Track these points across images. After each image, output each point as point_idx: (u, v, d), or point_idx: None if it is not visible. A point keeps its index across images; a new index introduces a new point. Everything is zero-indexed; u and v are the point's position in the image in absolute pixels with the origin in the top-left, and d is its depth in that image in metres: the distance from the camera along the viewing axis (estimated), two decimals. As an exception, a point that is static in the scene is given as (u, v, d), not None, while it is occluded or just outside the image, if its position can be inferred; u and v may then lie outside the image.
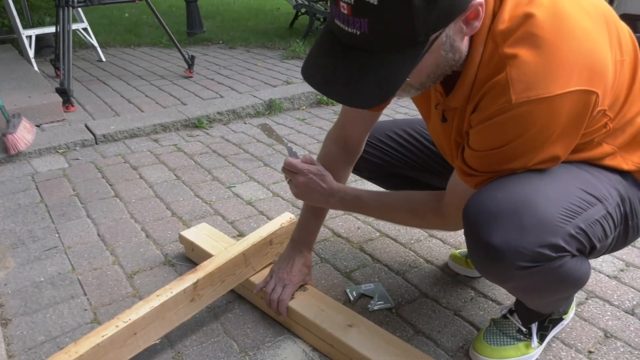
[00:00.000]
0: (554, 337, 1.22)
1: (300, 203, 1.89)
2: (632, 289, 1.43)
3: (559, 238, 0.80)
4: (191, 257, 1.51)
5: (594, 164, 0.92)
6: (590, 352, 1.20)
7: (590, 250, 0.86)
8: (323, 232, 1.71)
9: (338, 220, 1.80)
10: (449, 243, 1.66)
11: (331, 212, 1.85)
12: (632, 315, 1.32)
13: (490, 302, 1.37)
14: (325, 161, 1.16)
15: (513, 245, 0.80)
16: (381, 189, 1.39)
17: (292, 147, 1.16)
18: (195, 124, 2.79)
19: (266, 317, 1.29)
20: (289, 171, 1.12)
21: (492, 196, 0.84)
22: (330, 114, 3.13)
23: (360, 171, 1.37)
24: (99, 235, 1.68)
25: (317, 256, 1.57)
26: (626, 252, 1.59)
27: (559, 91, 0.73)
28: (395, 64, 0.71)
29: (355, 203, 1.11)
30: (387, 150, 1.32)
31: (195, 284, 1.16)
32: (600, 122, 0.83)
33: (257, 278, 1.31)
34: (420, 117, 1.19)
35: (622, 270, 1.52)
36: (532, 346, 1.14)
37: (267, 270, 1.34)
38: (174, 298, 1.12)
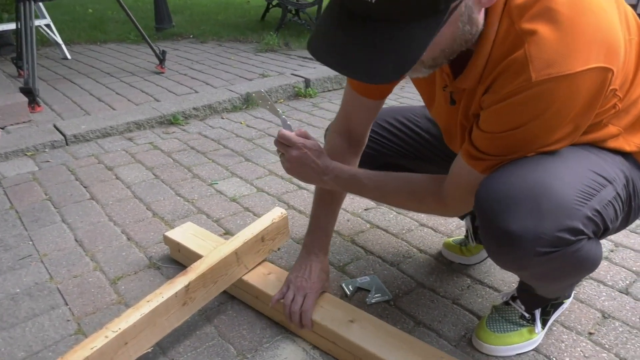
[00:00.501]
0: (554, 320, 1.21)
1: (287, 197, 1.84)
2: (624, 269, 1.43)
3: (577, 221, 0.78)
4: (177, 258, 1.45)
5: (598, 146, 0.90)
6: (590, 333, 1.20)
7: (602, 232, 0.84)
8: (312, 226, 1.66)
9: (327, 213, 1.75)
10: (440, 231, 1.64)
11: (305, 197, 1.80)
12: (627, 294, 1.33)
13: (488, 289, 1.36)
14: (331, 156, 1.11)
15: (532, 230, 0.77)
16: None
17: (287, 120, 1.10)
18: (171, 121, 2.69)
19: (262, 317, 1.24)
20: (282, 144, 1.06)
21: (506, 181, 0.80)
22: (309, 107, 3.07)
23: None
24: (76, 240, 1.59)
25: (309, 251, 1.52)
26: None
27: (580, 68, 0.70)
28: (414, 34, 0.66)
29: (351, 182, 1.06)
30: (380, 140, 1.28)
31: (187, 287, 1.10)
32: (611, 102, 0.81)
33: (250, 277, 1.26)
34: (412, 104, 1.16)
35: (612, 251, 1.52)
36: (536, 331, 1.13)
37: (260, 269, 1.29)
38: (165, 303, 1.05)
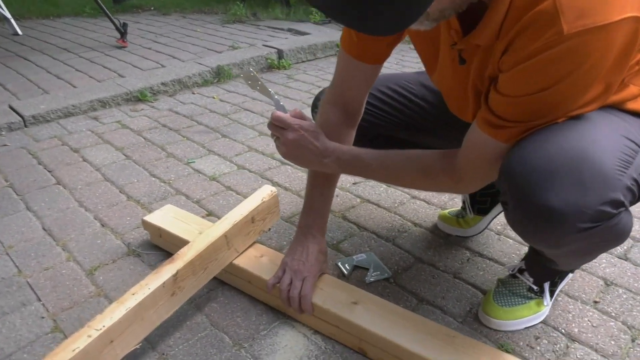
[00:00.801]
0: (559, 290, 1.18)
1: (270, 174, 1.75)
2: (620, 233, 1.41)
3: (619, 192, 0.72)
4: (159, 244, 1.34)
5: (618, 108, 0.84)
6: (595, 302, 1.17)
7: (635, 201, 0.79)
8: (298, 203, 1.58)
9: (314, 189, 1.67)
10: (433, 204, 1.58)
11: (299, 179, 1.72)
12: (626, 260, 1.31)
13: (488, 261, 1.31)
14: (325, 129, 1.02)
15: (574, 205, 0.70)
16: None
17: (280, 100, 1.00)
18: (138, 97, 2.53)
19: (256, 302, 1.16)
20: (277, 127, 0.97)
21: (542, 151, 0.73)
22: (283, 79, 2.95)
23: None
24: (44, 229, 1.46)
25: (299, 230, 1.44)
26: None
27: (616, 17, 0.62)
28: None
29: (354, 163, 0.98)
30: (372, 110, 1.19)
31: (175, 276, 1.00)
32: (636, 57, 0.75)
33: (242, 261, 1.17)
34: (405, 71, 1.07)
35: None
36: (544, 304, 1.09)
37: (251, 252, 1.21)
38: (152, 295, 0.96)
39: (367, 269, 1.26)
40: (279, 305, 1.12)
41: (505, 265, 1.29)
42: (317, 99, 1.24)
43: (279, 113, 0.97)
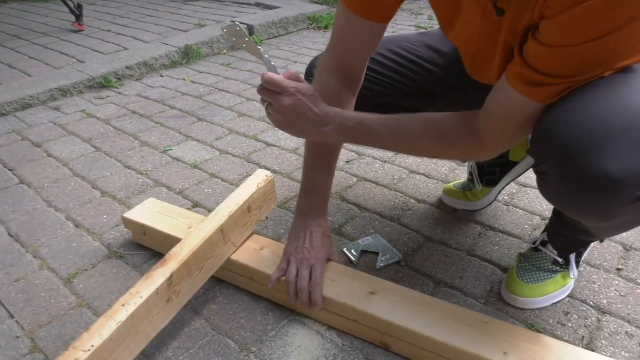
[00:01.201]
0: (580, 260, 1.11)
1: (256, 157, 1.63)
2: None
3: None
4: (144, 242, 1.21)
5: None
6: (618, 269, 1.11)
7: None
8: (290, 187, 1.47)
9: (298, 165, 1.55)
10: (434, 177, 1.49)
11: (288, 160, 1.61)
12: (641, 222, 1.25)
13: (500, 234, 1.23)
14: (324, 98, 0.90)
15: (633, 172, 0.61)
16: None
17: (271, 60, 0.87)
18: (102, 84, 2.34)
19: (259, 300, 1.05)
20: (269, 91, 0.83)
21: (593, 111, 0.63)
22: (256, 55, 2.79)
23: None
24: (10, 235, 1.30)
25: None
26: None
27: None
28: None
29: (360, 130, 0.86)
30: (372, 76, 1.08)
31: (169, 280, 0.88)
32: None
33: (241, 256, 1.05)
34: (404, 33, 0.96)
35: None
36: (571, 276, 1.02)
37: (250, 245, 1.09)
38: (145, 304, 0.84)
39: (375, 253, 1.17)
40: (285, 300, 1.01)
41: (523, 237, 1.22)
42: (311, 65, 1.12)
43: (271, 74, 0.82)
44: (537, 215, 1.30)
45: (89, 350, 0.75)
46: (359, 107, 1.15)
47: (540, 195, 1.38)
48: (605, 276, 1.09)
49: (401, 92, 1.10)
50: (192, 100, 2.17)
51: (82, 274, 1.15)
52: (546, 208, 1.33)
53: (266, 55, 0.86)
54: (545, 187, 0.75)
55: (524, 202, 1.36)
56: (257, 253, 1.06)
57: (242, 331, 0.98)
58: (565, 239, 0.98)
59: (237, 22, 0.86)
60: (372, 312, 0.90)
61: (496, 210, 1.32)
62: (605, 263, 1.13)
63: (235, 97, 2.20)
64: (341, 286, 0.96)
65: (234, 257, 1.05)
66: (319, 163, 1.03)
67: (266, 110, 0.88)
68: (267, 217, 1.24)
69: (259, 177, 1.12)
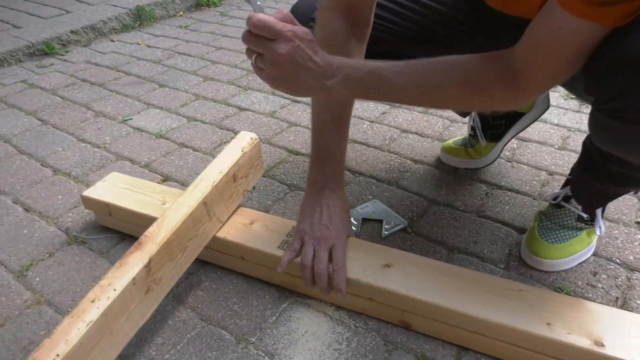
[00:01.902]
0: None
1: (229, 123, 1.46)
2: None
3: None
4: (109, 224, 1.04)
5: None
6: (638, 222, 1.03)
7: None
8: (275, 153, 1.32)
9: (286, 134, 1.41)
10: (427, 135, 1.37)
11: (266, 125, 1.45)
12: (651, 172, 1.18)
13: (508, 192, 1.13)
14: (328, 45, 0.74)
15: None
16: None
17: (257, 0, 0.70)
18: (44, 51, 2.07)
19: (253, 282, 0.91)
20: (259, 38, 0.64)
21: None
22: (217, 17, 2.57)
23: None
24: (-54, 224, 1.10)
25: (283, 184, 1.18)
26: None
27: None
28: None
29: (371, 82, 0.70)
30: (375, 21, 0.93)
31: (147, 266, 0.73)
32: None
33: (228, 232, 0.90)
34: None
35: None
36: (597, 232, 0.93)
37: (237, 219, 0.94)
38: (121, 298, 0.68)
39: (378, 221, 1.04)
40: (284, 281, 0.88)
41: (533, 195, 1.12)
42: (294, 8, 0.96)
43: (261, 15, 0.64)
44: (544, 171, 1.21)
45: (53, 361, 0.59)
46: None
47: (544, 150, 1.29)
48: (626, 231, 1.01)
49: (402, 37, 0.96)
50: (150, 66, 1.95)
51: (38, 265, 0.97)
52: (552, 163, 1.23)
53: None
54: (620, 129, 0.62)
55: (527, 158, 1.26)
56: (247, 228, 0.91)
57: (236, 319, 0.84)
58: (594, 193, 0.89)
59: None
60: (390, 288, 0.78)
61: (499, 168, 1.22)
62: (624, 217, 1.05)
63: (198, 60, 1.99)
64: (351, 261, 0.83)
65: (221, 234, 0.90)
66: (329, 125, 0.87)
67: (254, 64, 0.69)
68: (254, 187, 1.09)
69: (244, 141, 0.96)
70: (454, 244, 0.99)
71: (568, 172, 1.18)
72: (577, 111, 1.49)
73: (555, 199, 0.95)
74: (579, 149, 1.29)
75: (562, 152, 1.28)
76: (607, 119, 0.62)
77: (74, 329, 0.63)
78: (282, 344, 0.79)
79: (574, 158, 1.25)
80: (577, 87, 0.79)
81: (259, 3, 0.70)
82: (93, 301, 0.66)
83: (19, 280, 0.94)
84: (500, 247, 0.97)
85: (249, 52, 0.68)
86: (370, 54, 0.94)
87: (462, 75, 0.69)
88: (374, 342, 0.79)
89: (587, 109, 1.50)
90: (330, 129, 0.86)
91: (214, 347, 0.79)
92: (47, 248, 1.01)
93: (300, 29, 0.68)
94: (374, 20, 0.93)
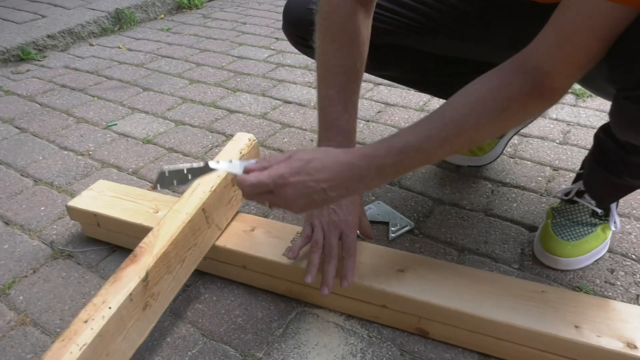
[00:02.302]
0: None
1: (219, 126, 1.40)
2: None
3: None
4: (97, 235, 0.97)
5: None
6: (649, 216, 1.00)
7: None
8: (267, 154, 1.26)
9: (280, 136, 1.35)
10: (426, 133, 1.33)
11: (258, 126, 1.39)
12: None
13: (514, 189, 1.10)
14: (336, 16, 0.68)
15: None
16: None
17: (227, 162, 0.66)
18: (20, 56, 1.98)
19: (256, 293, 0.85)
20: (258, 194, 0.64)
21: None
22: (199, 19, 2.50)
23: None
24: None
25: (280, 188, 1.13)
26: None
27: None
28: None
29: (406, 160, 0.63)
30: (380, 12, 0.88)
31: (145, 280, 0.66)
32: None
33: (229, 240, 0.85)
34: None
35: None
36: (612, 228, 0.90)
37: (237, 226, 0.88)
38: (117, 316, 0.62)
39: (383, 223, 1.00)
40: (290, 290, 0.82)
41: (539, 191, 1.09)
42: (287, 8, 0.91)
43: (241, 178, 0.64)
44: (548, 166, 1.17)
45: (44, 391, 0.53)
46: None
47: (546, 145, 1.26)
48: (639, 225, 0.98)
49: (409, 28, 0.91)
50: (132, 70, 1.88)
51: (21, 283, 0.90)
52: (555, 158, 1.21)
53: (220, 163, 0.66)
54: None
55: (529, 153, 1.23)
56: (248, 236, 0.86)
57: (241, 333, 0.78)
58: (609, 187, 0.85)
59: (164, 169, 0.65)
60: (406, 294, 0.73)
61: (502, 164, 1.19)
62: (634, 211, 1.02)
63: (182, 63, 1.93)
64: (362, 266, 0.78)
65: (220, 242, 0.84)
66: (335, 100, 0.79)
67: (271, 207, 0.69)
68: (253, 191, 1.03)
69: (241, 142, 0.90)
70: (464, 244, 0.94)
71: (572, 167, 1.16)
72: (574, 105, 1.47)
73: (567, 194, 0.92)
74: (581, 143, 1.28)
75: (564, 146, 1.25)
76: (635, 106, 0.58)
77: (66, 353, 0.57)
78: (292, 358, 0.74)
79: (576, 152, 1.23)
80: (593, 78, 0.76)
81: (232, 161, 0.66)
82: (86, 321, 0.60)
83: (0, 299, 0.87)
84: (512, 247, 0.94)
85: (254, 198, 0.66)
86: (375, 48, 0.89)
87: (487, 105, 0.62)
88: (390, 353, 0.74)
89: (583, 102, 1.48)
90: (337, 104, 0.79)
91: (218, 365, 0.73)
92: (31, 263, 0.94)
93: (289, 162, 0.63)
94: (378, 11, 0.88)
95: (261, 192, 0.63)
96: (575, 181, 0.93)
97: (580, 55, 0.58)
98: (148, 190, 1.10)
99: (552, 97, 0.61)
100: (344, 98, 0.79)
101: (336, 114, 0.78)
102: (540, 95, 0.61)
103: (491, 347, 0.72)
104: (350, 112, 0.79)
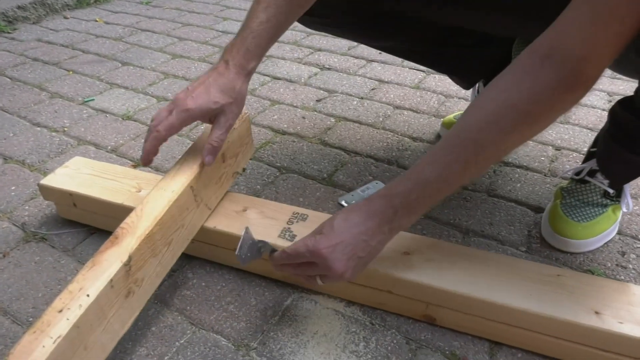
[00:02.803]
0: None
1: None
2: None
3: None
4: (74, 217, 0.89)
5: None
6: (656, 197, 0.97)
7: None
8: (260, 133, 1.19)
9: (269, 113, 1.28)
10: (423, 111, 1.28)
11: (247, 102, 1.32)
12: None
13: (517, 169, 1.05)
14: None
15: None
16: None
17: (256, 242, 0.68)
18: (-12, 28, 1.86)
19: (248, 277, 0.79)
20: (303, 269, 0.64)
21: None
22: (139, 8, 2.37)
23: (313, 15, 0.82)
24: None
25: (272, 167, 1.06)
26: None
27: None
28: None
29: (425, 187, 0.59)
30: None
31: (127, 264, 0.60)
32: None
33: (219, 221, 0.78)
34: None
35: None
36: (624, 209, 0.86)
37: (227, 206, 0.82)
38: (95, 305, 0.55)
39: (383, 204, 0.94)
40: (285, 275, 0.76)
41: (543, 171, 1.04)
42: None
43: (276, 255, 0.65)
44: (550, 146, 1.13)
45: (12, 391, 0.46)
46: (338, 15, 0.88)
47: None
48: (646, 206, 0.94)
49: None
50: (110, 43, 1.77)
51: (-11, 268, 0.82)
52: (557, 137, 1.16)
53: (251, 240, 0.67)
54: None
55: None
56: (239, 216, 0.79)
57: (233, 322, 0.72)
58: (626, 165, 0.80)
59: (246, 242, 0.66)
60: (414, 279, 0.68)
61: (504, 144, 1.14)
62: (641, 192, 0.98)
63: (164, 37, 1.83)
64: (365, 248, 0.72)
65: (210, 224, 0.77)
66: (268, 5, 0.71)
67: (323, 283, 0.64)
68: (244, 169, 0.96)
69: (232, 115, 0.83)
70: (469, 226, 0.89)
71: (575, 146, 1.12)
72: (573, 85, 1.43)
73: (578, 174, 0.87)
74: (582, 122, 1.24)
75: (566, 125, 1.21)
76: None
77: (38, 347, 0.50)
78: (290, 348, 0.68)
79: (578, 132, 1.18)
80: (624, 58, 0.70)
81: (261, 242, 0.68)
82: (61, 311, 0.53)
83: (-35, 286, 0.79)
84: (518, 228, 0.89)
85: (304, 281, 0.66)
86: (377, 16, 0.82)
87: (510, 113, 0.55)
88: (395, 341, 0.69)
89: (582, 82, 1.44)
90: (262, 13, 0.71)
91: (209, 356, 0.67)
92: (1, 247, 0.86)
93: (312, 238, 0.60)
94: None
95: (302, 266, 0.62)
96: (586, 160, 0.88)
97: (622, 30, 0.51)
98: (130, 168, 1.02)
99: (586, 86, 0.54)
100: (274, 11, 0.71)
101: (259, 17, 0.71)
102: (574, 87, 0.53)
103: (503, 335, 0.67)
104: (272, 20, 0.71)
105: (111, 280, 0.57)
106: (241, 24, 0.72)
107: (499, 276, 0.68)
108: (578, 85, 0.53)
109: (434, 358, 0.67)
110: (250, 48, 0.70)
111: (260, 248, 0.67)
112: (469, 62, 1.04)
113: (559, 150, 1.12)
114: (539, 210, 0.93)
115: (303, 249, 0.60)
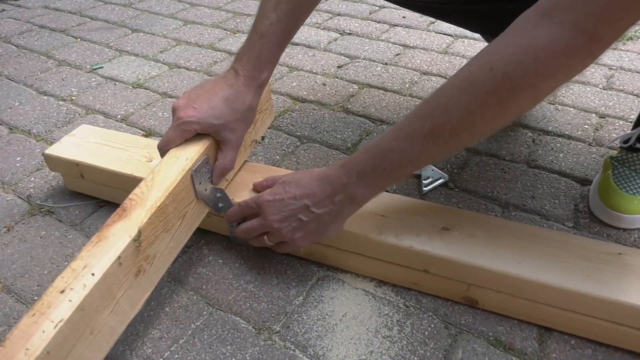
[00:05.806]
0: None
1: (218, 69, 1.24)
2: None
3: None
4: (80, 189, 0.84)
5: None
6: None
7: None
8: (278, 101, 1.11)
9: (287, 80, 1.20)
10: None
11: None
12: None
13: (558, 138, 0.96)
14: None
15: None
16: None
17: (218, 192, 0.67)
18: (-7, -5, 1.79)
19: (270, 255, 0.72)
20: (248, 230, 0.65)
21: None
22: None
23: None
24: None
25: (292, 136, 0.99)
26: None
27: None
28: None
29: (384, 157, 0.54)
30: None
31: (137, 240, 0.53)
32: None
33: (236, 193, 0.71)
34: None
35: (657, 65, 1.20)
36: (681, 180, 0.77)
37: (245, 176, 0.75)
38: (102, 285, 0.49)
39: (414, 176, 0.86)
40: (310, 252, 0.70)
41: (587, 140, 0.96)
42: None
43: (233, 207, 0.67)
44: (594, 113, 1.04)
45: (9, 381, 0.41)
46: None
47: (588, 90, 1.12)
48: None
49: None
50: (119, 10, 1.70)
51: (-7, 243, 0.77)
52: (600, 104, 1.07)
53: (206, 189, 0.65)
54: None
55: (571, 99, 1.09)
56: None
57: (253, 302, 0.66)
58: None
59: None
60: (454, 257, 0.60)
61: (542, 111, 1.05)
62: (698, 162, 0.89)
63: (175, 3, 1.74)
64: (398, 223, 0.65)
65: (229, 195, 0.70)
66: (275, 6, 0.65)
67: (274, 247, 0.65)
68: (263, 138, 0.89)
69: (250, 77, 0.75)
70: (508, 199, 0.82)
71: (621, 114, 1.03)
72: (614, 48, 1.32)
73: (626, 141, 0.78)
74: (627, 88, 1.14)
75: (609, 91, 1.11)
76: None
77: (37, 332, 0.44)
78: (316, 332, 0.62)
79: (623, 98, 1.09)
80: None
81: (219, 195, 0.67)
82: (63, 291, 0.47)
83: (-32, 262, 0.74)
84: (563, 202, 0.81)
85: (254, 240, 0.66)
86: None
87: (496, 72, 0.47)
88: (432, 325, 0.62)
89: (624, 45, 1.33)
90: (273, 12, 0.64)
91: (227, 340, 0.61)
92: (5, 221, 0.81)
93: (270, 190, 0.62)
94: None
95: (248, 214, 0.63)
96: (635, 126, 0.79)
97: None
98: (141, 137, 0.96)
99: (599, 50, 0.46)
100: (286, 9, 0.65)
101: (271, 20, 0.64)
102: (584, 44, 0.45)
103: (554, 320, 0.60)
104: (283, 20, 0.65)
105: (119, 257, 0.51)
106: (251, 26, 0.65)
107: (550, 254, 0.61)
108: (589, 42, 0.45)
109: (476, 344, 0.60)
110: (261, 55, 0.64)
111: (219, 198, 0.67)
112: (509, 20, 0.94)
113: (604, 117, 1.02)
114: (585, 182, 0.85)
115: (250, 201, 0.62)
